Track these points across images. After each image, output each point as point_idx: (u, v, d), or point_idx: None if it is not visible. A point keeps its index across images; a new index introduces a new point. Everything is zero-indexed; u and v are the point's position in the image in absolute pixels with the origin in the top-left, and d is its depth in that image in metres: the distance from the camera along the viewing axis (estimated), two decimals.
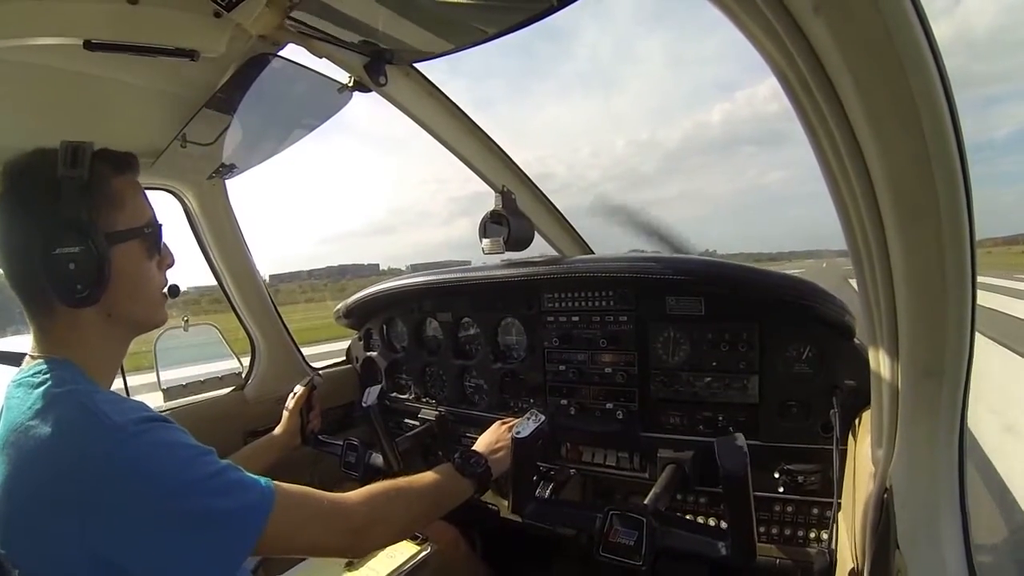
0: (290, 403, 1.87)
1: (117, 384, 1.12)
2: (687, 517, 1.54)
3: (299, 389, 1.89)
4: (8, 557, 0.88)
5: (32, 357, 0.97)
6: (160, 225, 1.09)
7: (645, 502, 1.30)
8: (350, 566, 1.68)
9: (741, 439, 1.11)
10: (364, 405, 1.83)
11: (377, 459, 1.84)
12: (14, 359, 1.37)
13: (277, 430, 1.82)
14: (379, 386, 1.88)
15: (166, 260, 1.12)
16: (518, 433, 1.39)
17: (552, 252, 2.19)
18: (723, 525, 1.39)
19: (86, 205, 0.94)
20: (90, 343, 0.99)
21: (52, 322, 0.97)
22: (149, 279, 1.07)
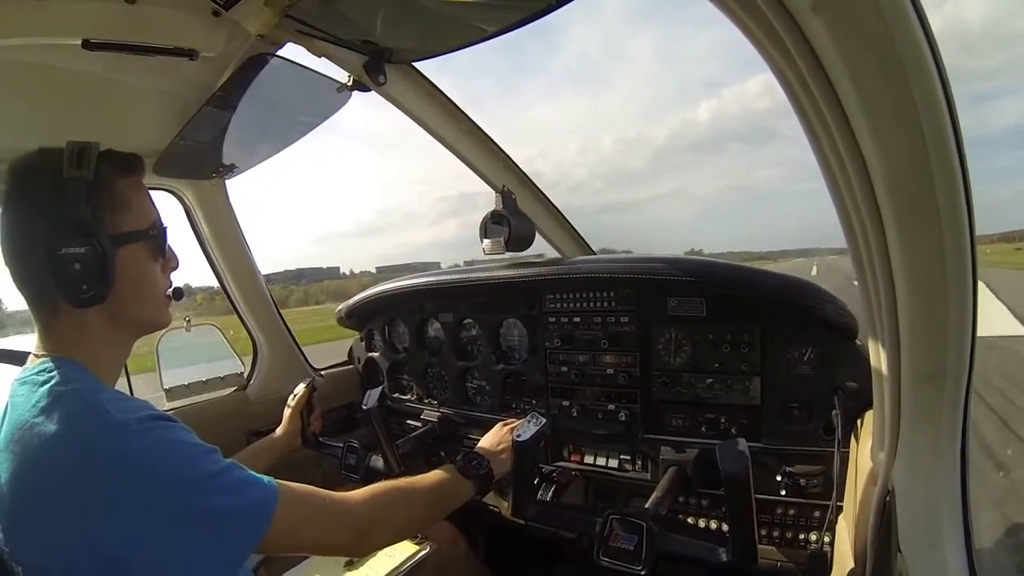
0: (291, 404, 1.87)
1: (121, 384, 1.12)
2: (689, 519, 1.54)
3: (299, 390, 1.89)
4: (12, 553, 0.88)
5: (36, 356, 0.98)
6: (165, 228, 1.09)
7: (646, 506, 1.29)
8: (350, 565, 1.67)
9: (743, 443, 1.10)
10: (364, 408, 1.83)
11: (377, 461, 1.83)
12: (18, 358, 1.37)
13: (278, 431, 1.82)
14: (379, 388, 1.87)
15: (170, 263, 1.12)
16: (519, 436, 1.39)
17: (553, 252, 2.18)
18: (724, 528, 1.38)
19: (91, 206, 0.94)
20: (94, 343, 0.99)
21: (56, 321, 0.97)
22: (153, 281, 1.07)
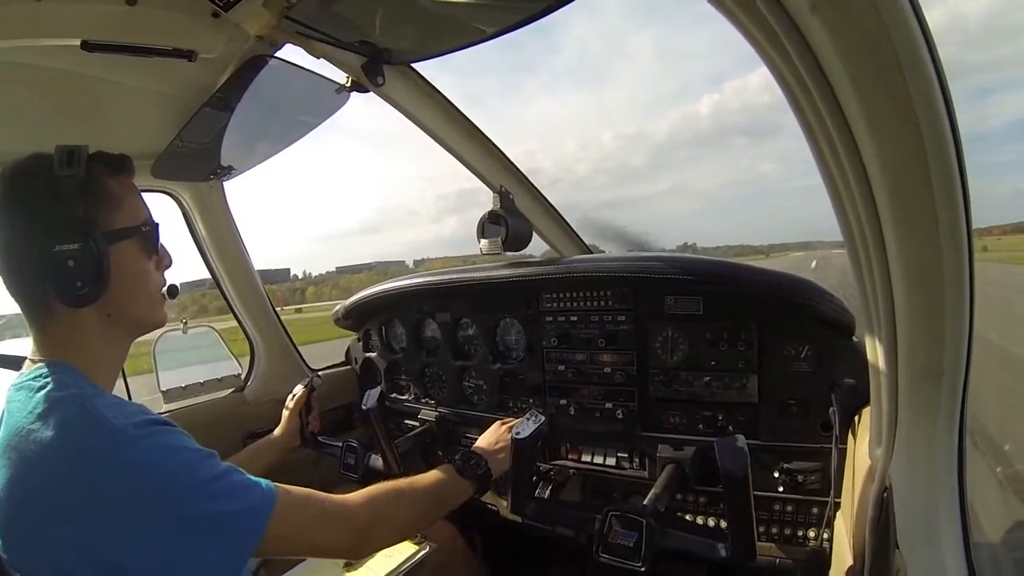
0: (289, 404, 1.87)
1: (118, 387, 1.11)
2: (687, 517, 1.55)
3: (298, 390, 1.89)
4: (10, 560, 0.88)
5: (32, 361, 0.97)
6: (157, 224, 1.09)
7: (644, 503, 1.30)
8: (349, 566, 1.68)
9: (741, 440, 1.11)
10: (363, 408, 1.83)
11: (377, 461, 1.84)
12: (14, 363, 1.37)
13: (276, 432, 1.82)
14: (378, 388, 1.87)
15: (164, 260, 1.12)
16: (517, 434, 1.39)
17: (551, 252, 2.19)
18: (723, 524, 1.39)
19: (84, 204, 0.95)
20: (90, 345, 0.99)
21: (52, 324, 0.97)
22: (147, 278, 1.07)
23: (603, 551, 1.18)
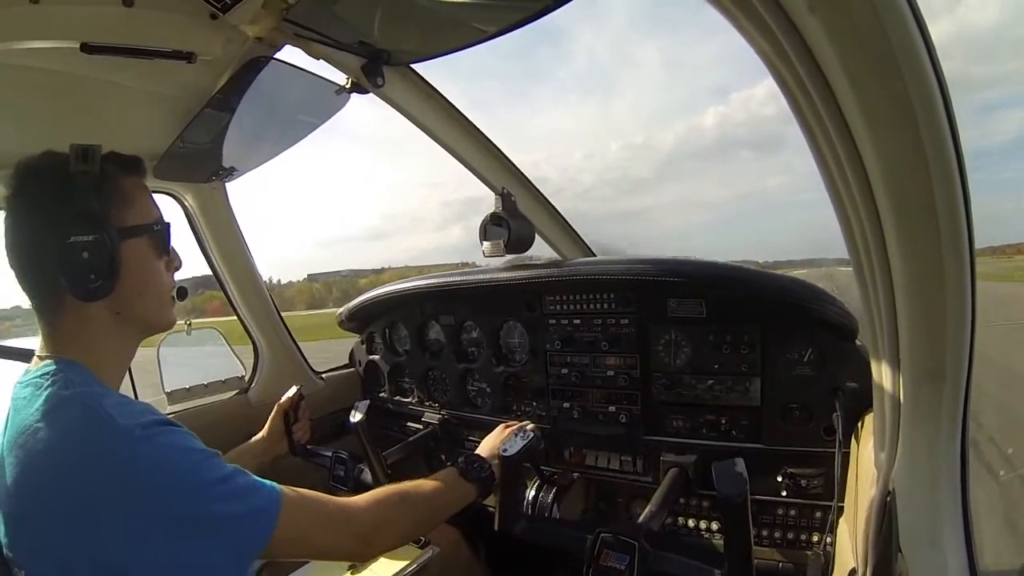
0: (276, 409, 1.80)
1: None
2: (689, 522, 1.54)
3: (286, 398, 1.81)
4: (15, 558, 0.89)
5: (40, 357, 0.98)
6: (168, 224, 1.10)
7: (639, 521, 1.28)
8: (353, 569, 1.67)
9: (741, 464, 1.06)
10: (351, 422, 1.78)
11: (366, 474, 1.80)
12: (24, 355, 1.37)
13: (258, 435, 1.75)
14: (367, 401, 1.83)
15: (174, 262, 1.13)
16: (505, 451, 1.38)
17: (553, 254, 2.18)
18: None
19: (98, 199, 0.96)
20: (98, 342, 0.99)
21: (61, 319, 0.98)
22: (158, 278, 1.08)
23: (594, 574, 1.15)
